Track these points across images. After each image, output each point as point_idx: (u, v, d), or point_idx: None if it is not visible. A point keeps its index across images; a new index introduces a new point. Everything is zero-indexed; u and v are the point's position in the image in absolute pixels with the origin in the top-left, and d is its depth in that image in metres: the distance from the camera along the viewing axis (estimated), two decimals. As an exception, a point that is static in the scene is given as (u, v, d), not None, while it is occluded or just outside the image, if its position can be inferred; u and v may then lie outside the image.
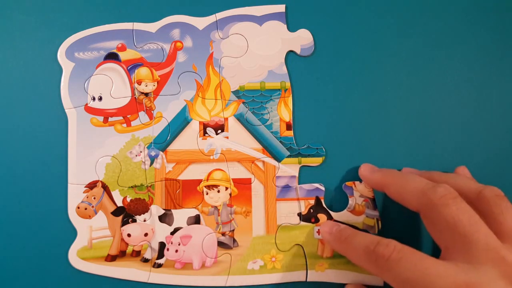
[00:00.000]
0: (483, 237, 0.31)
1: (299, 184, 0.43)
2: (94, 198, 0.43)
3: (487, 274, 0.29)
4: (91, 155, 0.43)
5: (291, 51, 0.44)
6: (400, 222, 0.43)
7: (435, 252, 0.36)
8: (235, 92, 0.44)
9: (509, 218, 0.33)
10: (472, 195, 0.35)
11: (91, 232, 0.42)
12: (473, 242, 0.31)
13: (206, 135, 0.43)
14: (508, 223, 0.32)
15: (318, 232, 0.43)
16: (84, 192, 0.43)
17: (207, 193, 0.43)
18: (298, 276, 0.42)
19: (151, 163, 0.43)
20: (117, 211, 0.43)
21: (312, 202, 0.43)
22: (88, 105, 0.43)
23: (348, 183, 0.43)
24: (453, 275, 0.30)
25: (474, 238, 0.31)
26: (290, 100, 0.44)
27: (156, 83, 0.44)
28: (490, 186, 0.35)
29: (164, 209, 0.43)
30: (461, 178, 0.37)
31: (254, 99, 0.44)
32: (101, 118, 0.43)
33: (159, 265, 0.42)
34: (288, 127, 0.44)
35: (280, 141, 0.43)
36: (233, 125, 0.44)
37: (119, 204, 0.43)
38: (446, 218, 0.32)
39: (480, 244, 0.31)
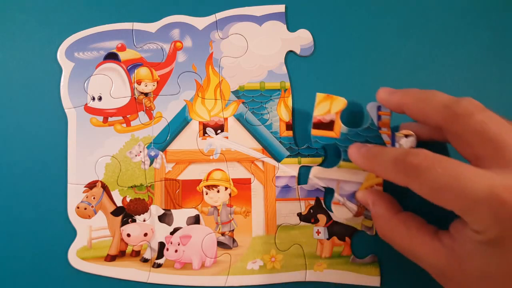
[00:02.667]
0: None
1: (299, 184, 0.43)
2: (94, 198, 0.43)
3: None
4: (91, 155, 0.43)
5: (291, 51, 0.44)
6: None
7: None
8: (235, 92, 0.44)
9: None
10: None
11: (91, 232, 0.42)
12: (505, 147, 0.29)
13: (205, 135, 0.43)
14: None
15: (318, 232, 0.43)
16: (83, 192, 0.43)
17: (206, 193, 0.43)
18: (297, 276, 0.42)
19: (151, 163, 0.43)
20: (117, 211, 0.43)
21: (312, 202, 0.43)
22: (88, 105, 0.43)
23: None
24: (488, 178, 0.28)
25: (506, 142, 0.29)
26: (290, 100, 0.44)
27: (155, 83, 0.44)
28: None
29: (163, 209, 0.43)
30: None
31: (253, 99, 0.44)
32: (100, 118, 0.43)
33: (159, 265, 0.42)
34: (288, 127, 0.44)
35: (280, 141, 0.43)
36: (233, 125, 0.44)
37: (119, 204, 0.43)
38: (474, 126, 0.31)
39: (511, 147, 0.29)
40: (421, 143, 0.38)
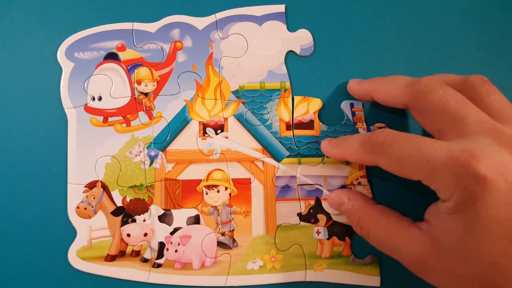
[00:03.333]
0: (472, 112, 0.31)
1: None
2: (94, 198, 0.43)
3: (480, 141, 0.30)
4: (91, 155, 0.43)
5: (290, 51, 0.44)
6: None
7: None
8: (235, 92, 0.44)
9: (496, 98, 0.33)
10: (458, 84, 0.34)
11: (91, 232, 0.42)
12: (463, 118, 0.31)
13: (205, 135, 0.43)
14: (495, 104, 0.33)
15: (318, 232, 0.43)
16: (83, 192, 0.43)
17: (206, 193, 0.43)
18: (297, 276, 0.42)
19: (151, 163, 0.43)
20: (117, 211, 0.43)
21: (312, 202, 0.43)
22: (88, 105, 0.43)
23: (348, 185, 0.43)
24: (447, 145, 0.30)
25: (464, 115, 0.31)
26: (289, 100, 0.44)
27: (155, 83, 0.44)
28: (475, 74, 0.35)
29: (163, 209, 0.43)
30: (446, 74, 0.37)
31: (253, 99, 0.44)
32: (100, 118, 0.43)
33: (159, 265, 0.42)
34: (288, 127, 0.44)
35: (280, 141, 0.43)
36: (233, 125, 0.44)
37: (119, 204, 0.43)
38: (433, 102, 0.33)
39: (471, 118, 0.31)
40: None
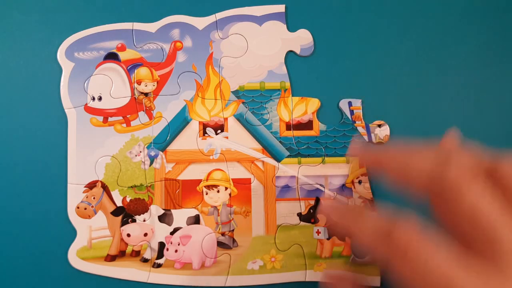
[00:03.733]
0: (506, 229, 0.25)
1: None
2: (94, 198, 0.43)
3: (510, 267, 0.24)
4: (91, 155, 0.43)
5: (291, 51, 0.44)
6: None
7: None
8: (235, 92, 0.44)
9: None
10: (485, 171, 0.27)
11: (91, 232, 0.42)
12: (496, 238, 0.25)
13: (205, 135, 0.43)
14: None
15: (318, 232, 0.43)
16: (83, 192, 0.43)
17: (206, 193, 0.43)
18: (297, 276, 0.42)
19: (151, 163, 0.43)
20: (117, 211, 0.43)
21: (312, 202, 0.43)
22: (88, 105, 0.43)
23: (348, 184, 0.43)
24: (481, 286, 0.24)
25: (497, 232, 0.25)
26: (289, 100, 0.44)
27: (155, 83, 0.44)
28: (504, 157, 0.27)
29: (163, 209, 0.43)
30: (470, 151, 0.29)
31: (253, 99, 0.44)
32: (100, 118, 0.43)
33: (159, 265, 0.42)
34: (288, 127, 0.44)
35: (280, 141, 0.43)
36: (233, 125, 0.44)
37: (119, 204, 0.43)
38: (463, 208, 0.26)
39: (504, 239, 0.25)
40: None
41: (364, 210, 0.31)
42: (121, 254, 0.42)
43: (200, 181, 0.43)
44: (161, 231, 0.43)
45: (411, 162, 0.28)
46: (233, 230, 0.43)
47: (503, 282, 0.25)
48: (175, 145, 0.43)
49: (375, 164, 0.31)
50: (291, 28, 0.44)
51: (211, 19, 0.44)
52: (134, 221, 0.43)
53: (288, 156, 0.43)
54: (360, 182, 0.43)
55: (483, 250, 0.26)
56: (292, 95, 0.44)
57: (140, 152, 0.43)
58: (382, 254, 0.27)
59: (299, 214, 0.43)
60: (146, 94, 0.44)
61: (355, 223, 0.29)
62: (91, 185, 0.43)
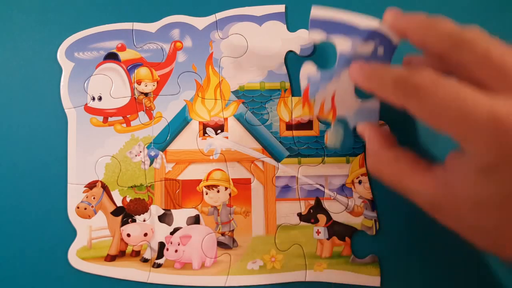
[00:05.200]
0: None
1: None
2: (94, 198, 0.43)
3: None
4: (91, 155, 0.43)
5: (291, 51, 0.44)
6: (398, 223, 0.43)
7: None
8: (235, 92, 0.44)
9: None
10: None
11: (91, 232, 0.42)
12: (509, 69, 0.29)
13: (205, 135, 0.43)
14: None
15: (318, 232, 0.43)
16: (83, 192, 0.43)
17: (206, 193, 0.43)
18: (297, 276, 0.42)
19: (151, 163, 0.43)
20: (117, 211, 0.43)
21: (312, 202, 0.43)
22: (88, 105, 0.43)
23: (348, 184, 0.43)
24: (490, 101, 0.27)
25: (509, 68, 0.29)
26: (290, 100, 0.44)
27: (155, 83, 0.44)
28: None
29: (163, 209, 0.43)
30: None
31: (254, 99, 0.44)
32: (100, 118, 0.43)
33: (159, 265, 0.42)
34: (288, 127, 0.44)
35: (280, 141, 0.43)
36: (233, 125, 0.44)
37: (119, 204, 0.43)
38: (478, 53, 0.30)
39: None
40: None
41: (386, 69, 0.34)
42: (121, 254, 0.42)
43: (200, 181, 0.43)
44: (161, 231, 0.43)
45: (433, 26, 0.32)
46: (233, 230, 0.43)
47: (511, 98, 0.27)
48: (175, 145, 0.43)
49: (400, 30, 0.35)
50: (291, 28, 0.44)
51: (211, 19, 0.44)
52: (134, 221, 0.43)
53: (288, 156, 0.43)
54: (360, 182, 0.43)
55: (495, 82, 0.29)
56: (292, 95, 0.44)
57: (140, 152, 0.43)
58: (401, 100, 0.31)
59: (299, 214, 0.43)
60: (146, 94, 0.44)
61: (377, 78, 0.33)
62: (91, 185, 0.43)
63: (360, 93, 0.38)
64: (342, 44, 0.36)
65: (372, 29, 0.36)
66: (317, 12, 0.36)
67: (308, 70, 0.38)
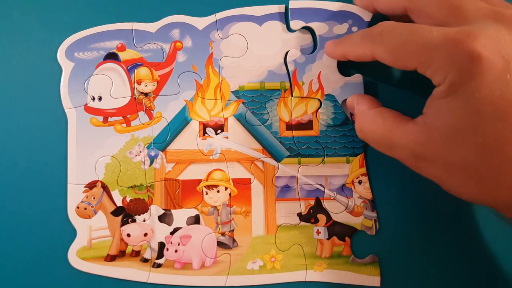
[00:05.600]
0: (470, 1, 0.31)
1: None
2: (94, 198, 0.43)
3: (479, 23, 0.29)
4: (91, 155, 0.43)
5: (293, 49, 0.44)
6: (398, 223, 0.43)
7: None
8: (235, 92, 0.44)
9: None
10: None
11: (91, 232, 0.42)
12: (461, 7, 0.31)
13: (205, 135, 0.43)
14: None
15: (318, 232, 0.43)
16: (83, 192, 0.43)
17: (206, 193, 0.43)
18: (297, 276, 0.42)
19: (151, 163, 0.43)
20: (117, 211, 0.43)
21: (312, 202, 0.43)
22: (88, 105, 0.43)
23: (348, 184, 0.43)
24: (444, 29, 0.30)
25: (462, 4, 0.31)
26: (290, 100, 0.44)
27: (155, 83, 0.44)
28: None
29: (163, 209, 0.43)
30: None
31: (253, 99, 0.44)
32: (100, 118, 0.43)
33: (159, 265, 0.42)
34: (288, 127, 0.44)
35: (280, 141, 0.43)
36: (233, 125, 0.44)
37: (119, 204, 0.43)
38: None
39: (469, 6, 0.30)
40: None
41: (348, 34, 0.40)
42: (121, 254, 0.42)
43: (200, 181, 0.43)
44: (161, 231, 0.43)
45: None
46: (233, 230, 0.43)
47: (465, 25, 0.30)
48: (175, 145, 0.43)
49: (367, 3, 0.40)
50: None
51: (211, 19, 0.44)
52: (134, 221, 0.43)
53: (288, 156, 0.43)
54: (360, 182, 0.43)
55: (451, 21, 0.31)
56: (292, 95, 0.44)
57: (140, 152, 0.43)
58: (369, 48, 0.34)
59: (299, 214, 0.43)
60: (146, 94, 0.44)
61: (346, 40, 0.38)
62: (91, 185, 0.43)
63: (344, 71, 0.43)
64: (320, 28, 0.42)
65: (343, 10, 0.42)
66: (295, 3, 0.42)
67: (293, 55, 0.43)
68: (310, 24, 0.42)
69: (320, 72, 0.43)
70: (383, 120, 0.35)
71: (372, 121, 0.36)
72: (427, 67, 0.30)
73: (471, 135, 0.28)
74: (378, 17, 0.41)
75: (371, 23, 0.42)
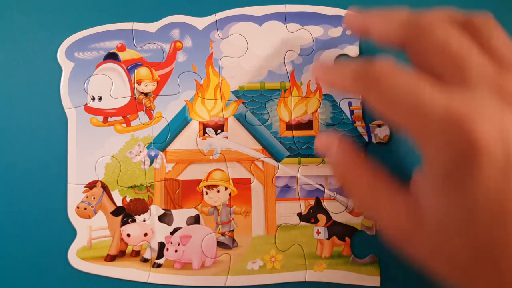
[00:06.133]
0: (475, 61, 0.27)
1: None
2: (94, 198, 0.43)
3: (481, 96, 0.26)
4: (91, 155, 0.43)
5: (290, 51, 0.44)
6: (399, 222, 0.43)
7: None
8: (235, 92, 0.44)
9: (501, 42, 0.29)
10: (461, 22, 0.30)
11: (91, 232, 0.42)
12: (465, 67, 0.27)
13: (205, 135, 0.43)
14: (500, 49, 0.28)
15: (318, 232, 0.43)
16: (83, 192, 0.43)
17: (206, 193, 0.43)
18: (297, 276, 0.42)
19: (151, 163, 0.43)
20: (117, 211, 0.43)
21: (312, 202, 0.43)
22: (88, 105, 0.43)
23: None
24: (446, 95, 0.26)
25: (466, 62, 0.27)
26: (290, 100, 0.44)
27: (155, 83, 0.44)
28: (479, 12, 0.30)
29: (163, 209, 0.43)
30: (450, 10, 0.31)
31: (253, 99, 0.44)
32: (100, 118, 0.43)
33: (159, 265, 0.42)
34: (288, 127, 0.44)
35: (280, 141, 0.43)
36: (233, 125, 0.44)
37: (119, 204, 0.43)
38: (434, 43, 0.29)
39: (473, 67, 0.27)
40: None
41: (347, 63, 0.33)
42: (121, 254, 0.42)
43: (200, 181, 0.43)
44: (161, 231, 0.43)
45: (392, 15, 0.32)
46: (233, 230, 0.43)
47: (467, 93, 0.26)
48: (175, 145, 0.43)
49: (362, 28, 0.34)
50: (291, 28, 0.44)
51: (211, 19, 0.44)
52: (134, 221, 0.43)
53: (288, 156, 0.43)
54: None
55: (453, 79, 0.27)
56: (292, 95, 0.44)
57: (140, 152, 0.43)
58: (361, 91, 0.31)
59: (299, 214, 0.43)
60: (146, 94, 0.44)
61: (337, 71, 0.33)
62: (91, 185, 0.43)
63: None
64: (316, 31, 0.43)
65: (338, 15, 0.43)
66: (291, 7, 0.43)
67: (291, 57, 0.43)
68: (306, 27, 0.43)
69: None
70: (370, 185, 0.31)
71: (357, 182, 0.32)
72: (421, 138, 0.27)
73: (464, 235, 0.25)
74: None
75: None
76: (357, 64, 0.31)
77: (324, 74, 0.34)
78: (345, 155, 0.33)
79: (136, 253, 0.43)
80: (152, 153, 0.43)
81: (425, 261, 0.29)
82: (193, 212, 0.43)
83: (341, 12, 0.43)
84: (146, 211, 0.43)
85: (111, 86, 0.43)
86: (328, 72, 0.34)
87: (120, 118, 0.43)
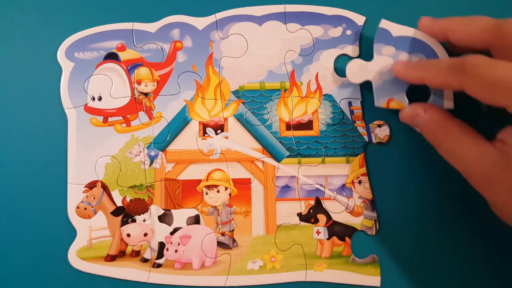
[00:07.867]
0: None
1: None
2: (94, 198, 0.43)
3: None
4: (91, 155, 0.43)
5: (290, 51, 0.44)
6: (398, 223, 0.43)
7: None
8: (235, 92, 0.44)
9: None
10: None
11: (91, 232, 0.42)
12: None
13: (205, 135, 0.43)
14: None
15: (318, 232, 0.43)
16: (83, 192, 0.43)
17: (206, 193, 0.43)
18: (297, 276, 0.42)
19: (151, 163, 0.43)
20: (117, 211, 0.43)
21: (312, 202, 0.43)
22: (88, 105, 0.43)
23: (348, 184, 0.43)
24: None
25: None
26: (289, 100, 0.44)
27: (155, 83, 0.44)
28: None
29: (163, 209, 0.43)
30: None
31: (253, 99, 0.44)
32: (100, 118, 0.43)
33: (159, 265, 0.42)
34: (288, 127, 0.44)
35: (280, 141, 0.43)
36: (233, 125, 0.44)
37: (119, 204, 0.43)
38: None
39: None
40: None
41: (434, 60, 0.38)
42: (121, 254, 0.42)
43: (200, 181, 0.43)
44: (161, 231, 0.43)
45: (475, 21, 0.36)
46: (233, 230, 0.43)
47: None
48: (175, 145, 0.43)
49: (441, 32, 0.38)
50: (291, 28, 0.44)
51: (211, 19, 0.44)
52: (134, 221, 0.43)
53: (288, 156, 0.43)
54: (360, 182, 0.43)
55: None
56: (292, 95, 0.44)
57: (140, 152, 0.43)
58: (457, 81, 0.34)
59: (299, 214, 0.43)
60: (146, 94, 0.44)
61: (429, 68, 0.36)
62: (91, 185, 0.43)
63: (340, 72, 0.43)
64: (316, 31, 0.44)
65: (338, 15, 0.44)
66: (291, 7, 0.44)
67: (291, 57, 0.43)
68: (306, 27, 0.43)
69: (318, 72, 0.43)
70: (460, 131, 0.35)
71: (448, 129, 0.36)
72: None
73: None
74: (371, 21, 0.43)
75: (364, 27, 0.43)
76: (448, 59, 0.36)
77: (412, 70, 0.38)
78: (433, 114, 0.37)
79: (136, 253, 0.43)
80: (152, 153, 0.43)
81: (502, 204, 0.34)
82: (193, 212, 0.43)
83: (341, 12, 0.43)
84: (146, 211, 0.43)
85: (111, 86, 0.43)
86: (416, 67, 0.37)
87: (120, 118, 0.43)
